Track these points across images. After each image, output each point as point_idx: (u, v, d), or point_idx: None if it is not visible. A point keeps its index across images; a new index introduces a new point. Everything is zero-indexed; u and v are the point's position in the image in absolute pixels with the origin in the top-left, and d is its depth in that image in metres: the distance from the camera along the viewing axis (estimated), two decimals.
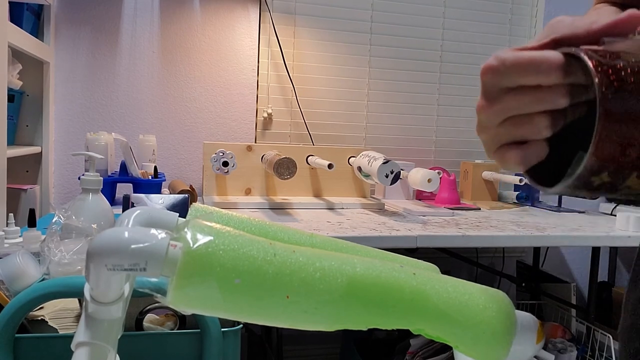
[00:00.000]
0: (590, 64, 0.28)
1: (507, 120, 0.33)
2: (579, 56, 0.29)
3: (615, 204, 1.64)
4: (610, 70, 0.28)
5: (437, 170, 1.42)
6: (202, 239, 0.34)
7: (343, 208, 1.46)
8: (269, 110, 1.78)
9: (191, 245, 0.33)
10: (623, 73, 0.28)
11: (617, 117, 0.28)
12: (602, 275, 2.07)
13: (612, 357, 1.46)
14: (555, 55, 0.30)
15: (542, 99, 0.31)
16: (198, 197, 1.44)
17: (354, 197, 1.60)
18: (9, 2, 1.16)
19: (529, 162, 0.33)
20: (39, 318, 0.70)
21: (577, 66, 0.30)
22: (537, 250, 1.89)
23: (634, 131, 0.28)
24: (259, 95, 1.78)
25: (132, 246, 0.33)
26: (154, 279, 0.41)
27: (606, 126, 0.28)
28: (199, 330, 0.70)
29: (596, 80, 0.28)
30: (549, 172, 0.34)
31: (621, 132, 0.28)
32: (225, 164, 1.38)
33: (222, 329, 0.70)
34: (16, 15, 1.36)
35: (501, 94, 0.32)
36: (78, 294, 0.65)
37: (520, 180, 1.60)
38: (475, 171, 1.75)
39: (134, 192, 1.34)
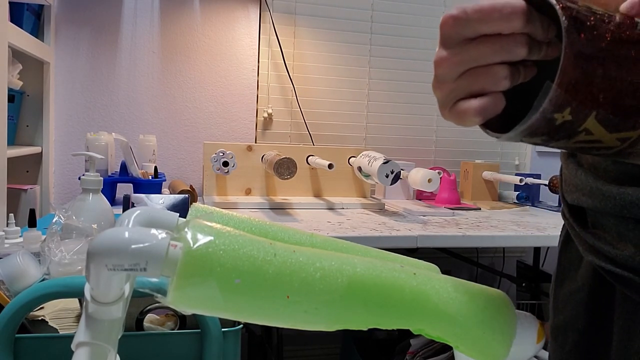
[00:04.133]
0: (553, 0, 0.30)
1: (465, 72, 0.33)
2: None
3: None
4: (572, 10, 0.30)
5: (437, 170, 1.42)
6: (203, 239, 0.34)
7: (343, 208, 1.46)
8: (269, 110, 1.78)
9: (191, 245, 0.33)
10: (581, 13, 0.30)
11: (580, 50, 0.29)
12: None
13: None
14: (518, 0, 0.31)
15: (502, 47, 0.32)
16: (198, 197, 1.44)
17: (354, 197, 1.60)
18: (9, 2, 1.16)
19: (487, 114, 0.33)
20: (40, 318, 0.70)
21: (536, 16, 0.31)
22: (537, 250, 1.89)
23: (596, 69, 0.30)
24: (259, 95, 1.78)
25: (133, 246, 0.33)
26: (154, 279, 0.41)
27: (570, 57, 0.29)
28: (199, 330, 0.70)
29: (560, 11, 0.29)
30: (502, 129, 0.35)
31: (584, 66, 0.30)
32: (226, 164, 1.38)
33: (222, 329, 0.70)
34: (16, 15, 1.36)
35: (461, 45, 0.32)
36: (78, 294, 0.65)
37: (521, 180, 1.60)
38: (475, 171, 1.75)
39: (134, 192, 1.34)
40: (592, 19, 0.30)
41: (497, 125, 0.35)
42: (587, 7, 0.30)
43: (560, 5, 0.30)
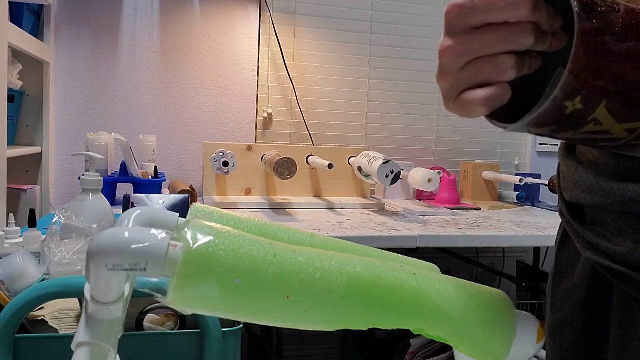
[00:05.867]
0: None
1: (470, 62, 0.32)
2: None
3: None
4: None
5: (437, 170, 1.42)
6: (203, 239, 0.34)
7: (343, 208, 1.46)
8: (269, 110, 1.78)
9: (191, 245, 0.33)
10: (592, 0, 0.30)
11: (592, 37, 0.29)
12: None
13: None
14: None
15: (508, 36, 0.31)
16: (198, 197, 1.44)
17: (354, 197, 1.60)
18: (9, 2, 1.16)
19: (493, 105, 0.32)
20: (40, 318, 0.70)
21: (542, 4, 0.31)
22: (537, 250, 1.89)
23: (607, 56, 0.29)
24: (259, 95, 1.78)
25: (133, 246, 0.33)
26: (154, 279, 0.41)
27: (582, 43, 0.29)
28: (199, 330, 0.70)
29: None
30: (506, 122, 0.35)
31: (596, 53, 0.29)
32: (226, 164, 1.38)
33: (222, 329, 0.70)
34: (16, 15, 1.36)
35: (466, 34, 0.32)
36: (78, 294, 0.65)
37: (521, 180, 1.60)
38: (475, 171, 1.75)
39: (134, 192, 1.34)
40: (602, 5, 0.30)
41: (501, 118, 0.35)
42: None
43: None
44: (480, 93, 0.32)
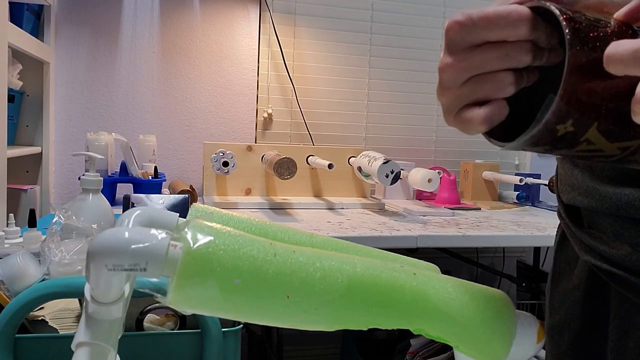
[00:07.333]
0: (557, 12, 0.30)
1: (470, 79, 0.33)
2: (547, 7, 0.31)
3: None
4: (576, 21, 0.30)
5: (437, 170, 1.42)
6: (203, 239, 0.34)
7: (343, 208, 1.46)
8: (269, 110, 1.78)
9: (191, 245, 0.33)
10: (584, 24, 0.30)
11: (583, 63, 0.29)
12: None
13: None
14: (523, 8, 0.31)
15: (508, 54, 0.32)
16: (198, 197, 1.44)
17: (354, 197, 1.60)
18: (9, 2, 1.16)
19: (493, 122, 0.33)
20: (40, 318, 0.70)
21: (541, 23, 0.31)
22: (537, 250, 1.89)
23: (598, 80, 0.29)
24: (259, 95, 1.78)
25: (133, 246, 0.33)
26: (154, 279, 0.41)
27: (573, 69, 0.29)
28: (199, 330, 0.70)
29: (564, 24, 0.29)
30: (503, 137, 0.35)
31: (587, 78, 0.29)
32: (226, 164, 1.38)
33: (222, 329, 0.70)
34: (16, 15, 1.36)
35: (466, 51, 0.32)
36: (78, 294, 0.65)
37: (521, 180, 1.60)
38: (475, 171, 1.75)
39: (134, 192, 1.34)
40: (594, 30, 0.30)
41: (497, 128, 0.35)
42: (587, 17, 0.30)
43: (564, 16, 0.29)
44: (480, 112, 0.33)
